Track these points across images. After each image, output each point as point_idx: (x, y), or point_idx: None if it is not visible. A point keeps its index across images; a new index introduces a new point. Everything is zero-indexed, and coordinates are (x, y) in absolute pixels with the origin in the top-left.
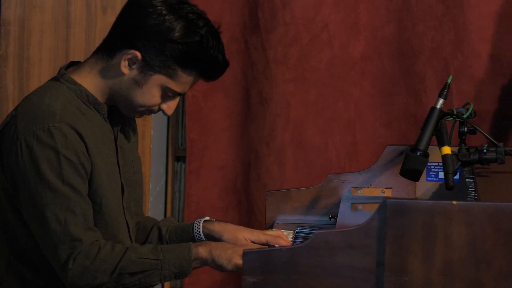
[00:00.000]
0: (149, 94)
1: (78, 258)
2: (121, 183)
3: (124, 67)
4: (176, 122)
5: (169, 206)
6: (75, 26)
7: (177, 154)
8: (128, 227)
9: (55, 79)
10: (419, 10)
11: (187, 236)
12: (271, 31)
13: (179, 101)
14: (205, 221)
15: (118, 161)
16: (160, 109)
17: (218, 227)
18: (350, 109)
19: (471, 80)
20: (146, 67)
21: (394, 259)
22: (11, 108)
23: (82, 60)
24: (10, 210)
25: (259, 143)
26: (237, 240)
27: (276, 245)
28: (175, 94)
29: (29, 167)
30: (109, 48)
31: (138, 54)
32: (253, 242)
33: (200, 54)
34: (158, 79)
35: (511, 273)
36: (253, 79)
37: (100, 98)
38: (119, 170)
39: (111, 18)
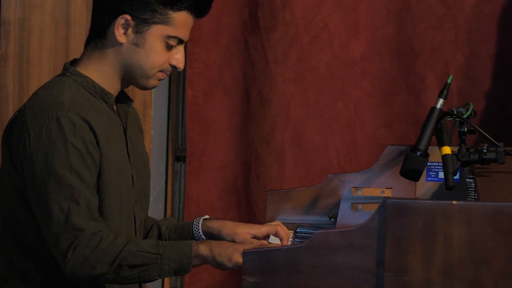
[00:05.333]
0: (153, 50)
1: (79, 247)
2: (131, 174)
3: (120, 36)
4: (176, 122)
5: (169, 206)
6: (75, 26)
7: (177, 154)
8: (135, 220)
9: (60, 74)
10: (419, 10)
11: (186, 233)
12: (271, 31)
13: (179, 100)
14: (204, 219)
15: (128, 152)
16: (172, 67)
17: (217, 224)
18: (350, 109)
19: (471, 80)
20: (140, 25)
21: (394, 259)
22: (11, 108)
23: None
24: (20, 205)
25: (259, 143)
26: (236, 235)
27: (275, 235)
28: (177, 40)
29: (36, 155)
30: (98, 31)
31: (128, 16)
32: (254, 237)
33: None
34: (155, 30)
35: (511, 273)
36: (253, 79)
37: (108, 85)
38: (129, 161)
39: None
